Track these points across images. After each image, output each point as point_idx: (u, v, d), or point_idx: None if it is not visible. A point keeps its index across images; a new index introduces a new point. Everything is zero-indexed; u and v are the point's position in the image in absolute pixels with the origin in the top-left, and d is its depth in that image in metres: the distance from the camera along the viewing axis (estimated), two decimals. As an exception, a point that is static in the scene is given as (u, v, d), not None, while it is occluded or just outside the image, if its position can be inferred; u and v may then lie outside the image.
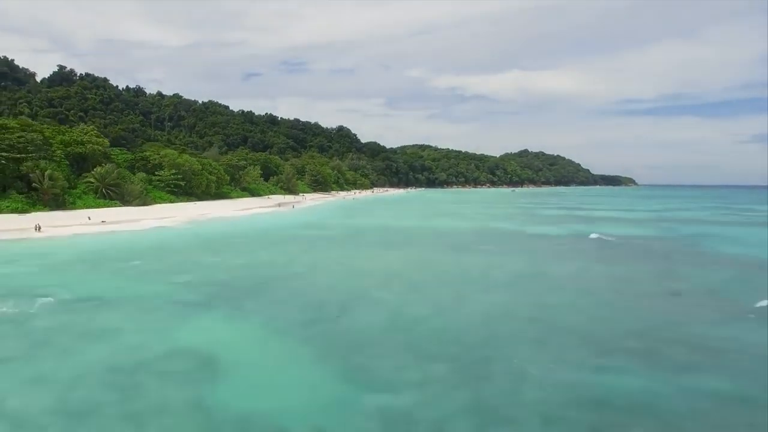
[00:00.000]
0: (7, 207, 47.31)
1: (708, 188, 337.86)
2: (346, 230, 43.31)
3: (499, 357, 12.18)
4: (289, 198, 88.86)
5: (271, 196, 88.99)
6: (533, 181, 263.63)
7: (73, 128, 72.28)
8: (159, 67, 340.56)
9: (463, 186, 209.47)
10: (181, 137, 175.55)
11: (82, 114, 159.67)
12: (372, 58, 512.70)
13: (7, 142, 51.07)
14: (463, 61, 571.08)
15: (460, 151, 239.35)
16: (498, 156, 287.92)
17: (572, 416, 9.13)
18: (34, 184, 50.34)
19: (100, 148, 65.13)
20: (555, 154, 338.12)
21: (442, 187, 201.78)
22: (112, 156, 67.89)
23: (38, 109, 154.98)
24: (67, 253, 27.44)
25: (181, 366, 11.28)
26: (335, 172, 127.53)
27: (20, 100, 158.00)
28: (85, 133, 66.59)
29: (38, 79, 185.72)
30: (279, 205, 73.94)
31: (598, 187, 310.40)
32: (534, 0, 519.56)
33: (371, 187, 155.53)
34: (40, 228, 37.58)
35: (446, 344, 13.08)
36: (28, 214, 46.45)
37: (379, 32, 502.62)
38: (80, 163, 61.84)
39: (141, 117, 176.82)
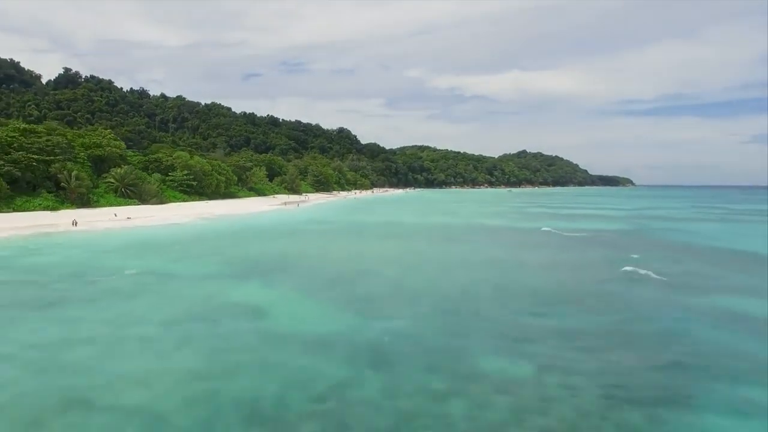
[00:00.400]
0: (39, 205, 52.07)
1: (705, 188, 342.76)
2: (349, 225, 48.14)
3: (465, 305, 16.94)
4: (294, 197, 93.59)
5: (276, 195, 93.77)
6: (531, 182, 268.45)
7: (92, 131, 76.81)
8: (159, 67, 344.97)
9: (462, 186, 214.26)
10: (185, 138, 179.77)
11: (89, 116, 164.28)
12: (372, 58, 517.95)
13: (36, 145, 55.78)
14: (462, 62, 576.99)
15: (458, 152, 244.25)
16: (496, 157, 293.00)
17: (511, 334, 13.83)
18: (62, 184, 55.14)
19: (118, 150, 69.87)
20: (553, 155, 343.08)
21: (441, 187, 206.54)
22: (128, 158, 72.63)
23: (47, 111, 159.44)
24: (114, 241, 32.18)
25: (240, 311, 15.98)
26: (336, 172, 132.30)
27: (29, 103, 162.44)
28: (103, 137, 71.32)
29: (43, 81, 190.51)
30: (285, 203, 78.74)
31: (595, 187, 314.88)
32: (534, 0, 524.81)
33: (371, 188, 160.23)
34: (76, 223, 42.33)
35: (429, 298, 17.82)
36: (58, 212, 51.24)
37: (378, 32, 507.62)
38: (99, 165, 66.49)
39: (146, 119, 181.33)
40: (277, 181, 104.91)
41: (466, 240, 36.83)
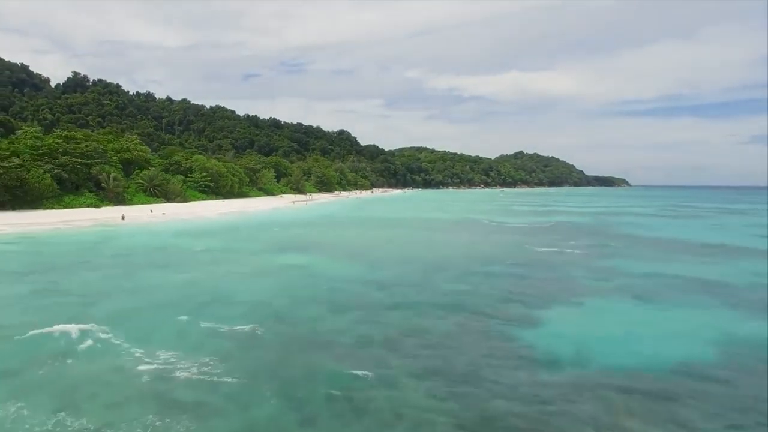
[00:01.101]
0: (83, 202, 60.65)
1: (699, 189, 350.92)
2: (354, 219, 56.83)
3: (442, 266, 25.46)
4: (300, 197, 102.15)
5: (283, 195, 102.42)
6: (526, 182, 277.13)
7: (119, 137, 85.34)
8: (158, 68, 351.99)
9: (458, 187, 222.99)
10: (191, 140, 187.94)
11: (99, 119, 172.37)
12: (371, 58, 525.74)
13: (79, 150, 64.37)
14: (461, 62, 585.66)
15: (455, 153, 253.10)
16: (493, 158, 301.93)
17: (455, 274, 22.34)
18: (102, 184, 63.73)
19: (143, 154, 78.53)
20: (549, 156, 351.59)
21: (438, 187, 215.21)
22: (151, 161, 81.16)
23: (59, 114, 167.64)
24: (168, 229, 40.77)
25: (288, 266, 24.48)
26: (338, 174, 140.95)
27: (42, 107, 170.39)
28: (130, 142, 79.90)
29: (51, 84, 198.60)
30: (293, 202, 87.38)
31: (590, 188, 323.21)
32: (532, 1, 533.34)
33: (371, 188, 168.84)
34: (124, 217, 50.91)
35: (408, 261, 26.37)
36: (100, 208, 59.80)
37: (377, 33, 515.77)
38: (127, 167, 75.05)
39: (154, 122, 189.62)
40: (284, 181, 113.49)
41: (449, 230, 45.55)
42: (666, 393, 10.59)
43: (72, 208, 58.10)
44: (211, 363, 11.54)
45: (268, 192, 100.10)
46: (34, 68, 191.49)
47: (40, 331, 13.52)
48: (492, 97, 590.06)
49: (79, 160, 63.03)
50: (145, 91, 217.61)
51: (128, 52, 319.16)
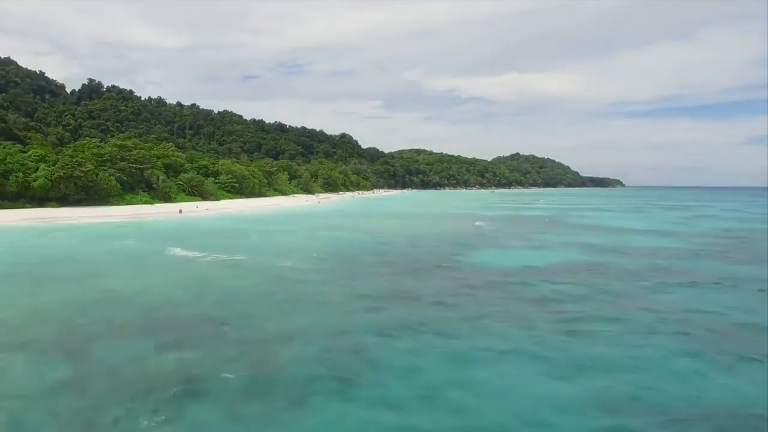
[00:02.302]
0: (140, 200, 75.35)
1: (691, 189, 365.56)
2: (361, 213, 71.67)
3: (419, 235, 40.24)
4: (310, 197, 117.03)
5: (295, 195, 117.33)
6: (521, 183, 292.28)
7: (157, 144, 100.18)
8: (157, 69, 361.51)
9: (455, 188, 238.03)
10: (201, 144, 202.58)
11: (118, 124, 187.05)
12: (369, 60, 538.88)
13: (133, 157, 79.16)
14: (460, 63, 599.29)
15: (452, 156, 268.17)
16: (490, 159, 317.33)
17: (436, 240, 37.06)
18: (153, 185, 78.56)
19: (179, 159, 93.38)
20: (545, 157, 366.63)
21: (435, 188, 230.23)
22: (185, 165, 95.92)
23: (81, 120, 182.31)
24: (225, 219, 55.54)
25: (326, 236, 39.25)
26: (342, 175, 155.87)
27: (65, 113, 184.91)
28: (168, 149, 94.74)
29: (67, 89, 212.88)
30: (307, 200, 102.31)
31: (585, 188, 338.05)
32: (531, 2, 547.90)
33: (372, 189, 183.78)
34: (181, 211, 65.73)
35: (402, 235, 41.14)
36: (154, 205, 74.50)
37: (376, 34, 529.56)
38: (167, 170, 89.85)
39: (168, 126, 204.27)
40: (294, 183, 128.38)
41: (428, 219, 60.57)
42: (524, 279, 25.29)
43: (131, 204, 72.82)
44: (305, 267, 26.29)
45: (282, 192, 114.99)
46: (33, 69, 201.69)
47: (241, 257, 28.42)
48: (491, 98, 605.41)
49: (134, 165, 77.83)
50: (157, 97, 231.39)
51: (127, 54, 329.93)
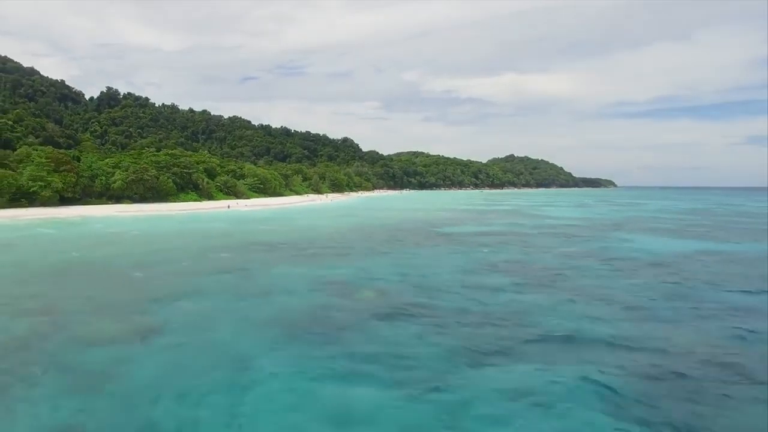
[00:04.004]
0: (190, 198, 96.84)
1: (683, 189, 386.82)
2: (366, 208, 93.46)
3: (408, 220, 61.84)
4: (322, 197, 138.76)
5: (308, 195, 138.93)
6: (514, 184, 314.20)
7: (195, 152, 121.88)
8: (156, 70, 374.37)
9: (449, 188, 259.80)
10: (214, 148, 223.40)
11: (140, 130, 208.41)
12: (367, 61, 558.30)
13: (182, 163, 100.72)
14: (457, 64, 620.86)
15: (448, 158, 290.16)
16: (485, 161, 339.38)
17: (415, 223, 58.59)
18: (200, 186, 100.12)
19: (214, 164, 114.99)
20: (539, 159, 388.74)
21: (431, 189, 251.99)
22: (218, 169, 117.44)
23: (106, 127, 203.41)
24: (268, 212, 77.19)
25: (347, 220, 60.87)
26: (347, 177, 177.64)
27: (91, 120, 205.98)
28: (204, 156, 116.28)
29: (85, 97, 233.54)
30: (319, 199, 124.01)
31: (575, 188, 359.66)
32: (529, 3, 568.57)
33: (373, 189, 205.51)
34: (229, 207, 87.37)
35: (395, 220, 62.75)
36: (202, 202, 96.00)
37: (374, 36, 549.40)
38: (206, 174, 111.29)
39: (184, 132, 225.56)
40: (305, 184, 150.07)
41: (417, 212, 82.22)
42: (460, 236, 46.86)
43: (184, 201, 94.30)
44: (342, 231, 47.86)
45: (297, 192, 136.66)
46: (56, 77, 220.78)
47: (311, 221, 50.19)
48: (489, 99, 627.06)
49: (183, 170, 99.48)
50: (170, 103, 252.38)
51: (126, 55, 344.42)
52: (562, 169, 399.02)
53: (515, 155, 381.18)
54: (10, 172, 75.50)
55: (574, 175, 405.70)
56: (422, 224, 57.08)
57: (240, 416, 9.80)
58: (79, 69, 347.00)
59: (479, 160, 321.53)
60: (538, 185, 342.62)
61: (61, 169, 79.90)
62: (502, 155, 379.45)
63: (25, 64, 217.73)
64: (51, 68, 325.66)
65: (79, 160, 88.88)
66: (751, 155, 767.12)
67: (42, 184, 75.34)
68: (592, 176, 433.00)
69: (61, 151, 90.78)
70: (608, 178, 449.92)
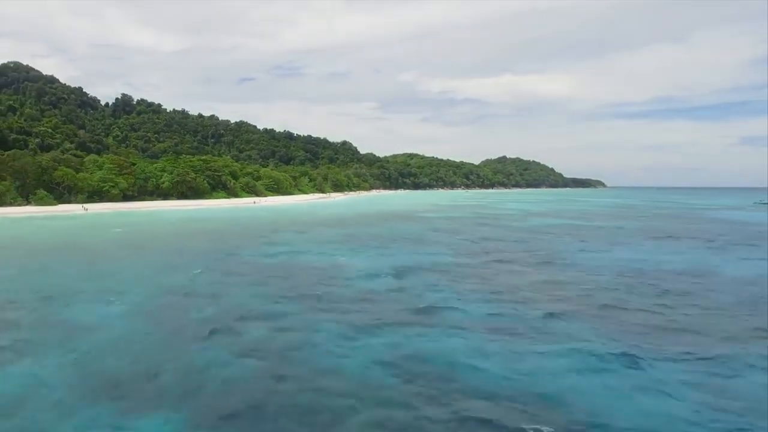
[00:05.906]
0: (221, 196, 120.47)
1: (676, 190, 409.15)
2: (365, 204, 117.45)
3: (397, 211, 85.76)
4: (325, 196, 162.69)
5: (314, 194, 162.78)
6: (504, 185, 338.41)
7: (218, 157, 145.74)
8: (155, 71, 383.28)
9: (442, 188, 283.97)
10: (223, 152, 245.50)
11: (156, 135, 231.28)
12: (364, 62, 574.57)
13: (213, 167, 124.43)
14: (454, 65, 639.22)
15: (441, 159, 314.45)
16: (482, 161, 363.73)
17: (405, 210, 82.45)
18: (228, 186, 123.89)
19: (236, 168, 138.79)
20: (530, 160, 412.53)
21: (425, 189, 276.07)
22: (238, 172, 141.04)
23: (126, 132, 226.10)
24: (287, 206, 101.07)
25: (352, 209, 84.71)
26: (347, 178, 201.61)
27: (112, 126, 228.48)
28: (226, 160, 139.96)
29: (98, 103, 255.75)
30: (324, 197, 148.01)
31: (565, 189, 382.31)
32: (526, 4, 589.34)
33: (370, 189, 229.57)
34: (255, 202, 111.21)
35: (389, 211, 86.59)
36: (230, 199, 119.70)
37: (372, 36, 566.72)
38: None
39: (197, 136, 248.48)
40: (310, 185, 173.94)
41: (407, 206, 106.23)
42: (431, 222, 70.80)
43: (217, 199, 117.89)
44: (348, 216, 71.85)
45: (304, 192, 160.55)
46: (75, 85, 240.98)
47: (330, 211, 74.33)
48: (485, 100, 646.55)
49: (215, 172, 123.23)
50: (181, 108, 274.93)
51: (125, 56, 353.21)
52: (553, 170, 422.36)
53: (507, 157, 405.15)
54: (88, 174, 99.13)
55: (564, 175, 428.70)
56: (406, 212, 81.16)
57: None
58: (78, 70, 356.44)
59: (477, 161, 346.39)
60: (529, 185, 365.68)
61: (123, 172, 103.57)
62: (498, 155, 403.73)
63: (25, 63, 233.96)
64: (50, 69, 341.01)
65: (133, 164, 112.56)
66: (748, 156, 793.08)
67: (111, 184, 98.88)
68: (585, 176, 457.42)
69: (121, 157, 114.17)
70: (598, 179, 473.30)
